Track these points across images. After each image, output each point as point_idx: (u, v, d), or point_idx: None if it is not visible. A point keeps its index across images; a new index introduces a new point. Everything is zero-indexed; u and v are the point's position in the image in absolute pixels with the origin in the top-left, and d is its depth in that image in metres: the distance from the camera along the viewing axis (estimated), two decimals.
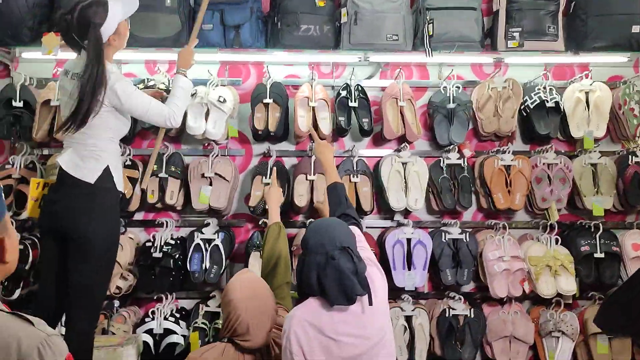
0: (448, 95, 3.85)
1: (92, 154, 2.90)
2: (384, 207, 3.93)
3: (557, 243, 3.81)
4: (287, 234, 3.87)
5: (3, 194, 1.74)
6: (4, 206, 1.73)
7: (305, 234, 2.51)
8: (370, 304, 2.38)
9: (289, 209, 3.82)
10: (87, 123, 2.85)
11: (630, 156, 3.85)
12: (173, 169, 3.76)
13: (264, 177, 3.77)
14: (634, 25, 3.75)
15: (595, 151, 3.87)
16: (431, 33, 3.65)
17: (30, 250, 3.54)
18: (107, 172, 2.92)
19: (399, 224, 3.90)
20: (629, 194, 3.81)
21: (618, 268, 3.80)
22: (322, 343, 2.37)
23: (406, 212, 3.97)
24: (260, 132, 3.73)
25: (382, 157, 3.93)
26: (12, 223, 1.83)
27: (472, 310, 3.74)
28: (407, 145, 3.85)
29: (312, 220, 3.83)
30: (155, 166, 3.74)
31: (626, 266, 3.78)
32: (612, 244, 3.79)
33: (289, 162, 3.96)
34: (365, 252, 2.56)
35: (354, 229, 2.64)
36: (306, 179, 3.76)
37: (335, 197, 2.90)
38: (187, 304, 3.91)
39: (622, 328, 1.55)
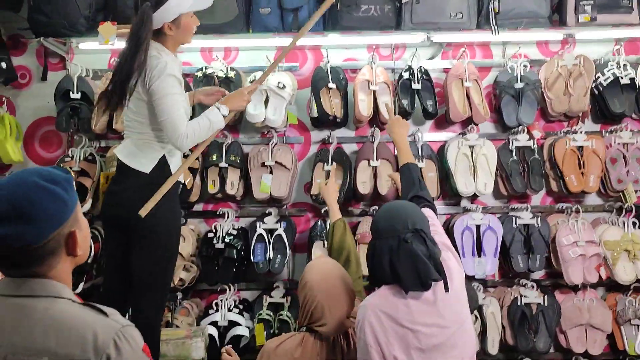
0: (515, 74, 3.68)
1: (148, 144, 2.83)
2: (449, 193, 3.79)
3: (634, 226, 3.63)
4: (349, 222, 3.81)
5: (74, 184, 1.67)
6: (76, 197, 1.65)
7: (374, 218, 2.40)
8: (447, 290, 2.27)
9: (350, 197, 3.71)
10: (123, 105, 2.78)
11: None
12: (233, 158, 3.68)
13: (325, 164, 3.66)
14: None
15: None
16: (497, 10, 3.50)
17: (92, 244, 3.51)
18: (163, 161, 2.85)
19: (466, 210, 3.76)
20: None
21: None
22: (398, 333, 2.26)
23: (472, 197, 3.82)
24: (330, 118, 3.62)
25: (447, 140, 3.79)
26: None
27: (545, 297, 3.59)
28: (473, 127, 3.71)
29: (376, 207, 3.71)
30: (215, 155, 3.67)
31: None
32: None
33: (349, 148, 3.85)
34: (440, 236, 2.44)
35: (428, 211, 2.52)
36: (369, 165, 3.65)
37: (408, 178, 2.75)
38: (249, 295, 3.84)
39: None
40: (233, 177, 3.71)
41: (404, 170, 2.79)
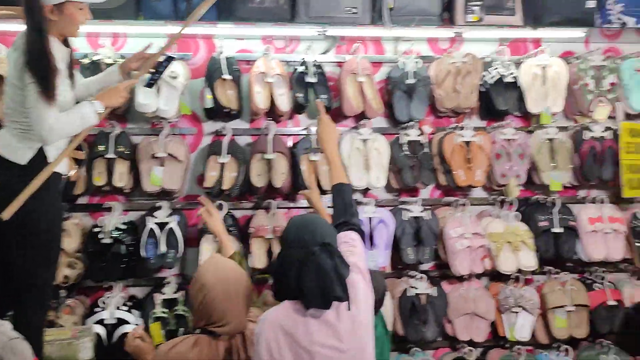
0: (407, 70, 3.76)
1: (25, 133, 2.66)
2: None
3: (516, 219, 3.81)
4: (242, 215, 3.76)
5: None
6: None
7: (285, 229, 2.37)
8: (349, 308, 2.23)
9: (245, 190, 3.66)
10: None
11: (584, 131, 3.87)
12: (121, 149, 3.53)
13: (219, 157, 3.59)
14: (588, 0, 3.76)
15: (552, 126, 3.88)
16: (392, 6, 3.55)
17: None
18: (41, 152, 2.69)
19: (358, 203, 3.80)
20: (584, 168, 3.85)
21: (575, 242, 3.84)
22: (293, 351, 2.22)
23: (364, 191, 3.88)
24: (225, 110, 3.54)
25: (340, 134, 3.81)
26: None
27: (434, 288, 3.70)
28: (366, 122, 3.75)
29: (270, 201, 3.69)
30: (102, 146, 3.50)
31: (582, 240, 3.81)
32: (569, 218, 3.82)
33: (243, 140, 3.79)
34: (355, 257, 2.38)
35: (352, 234, 2.47)
36: (263, 158, 3.61)
37: (341, 203, 2.59)
38: (138, 292, 3.71)
39: None
40: (121, 169, 3.56)
41: (338, 192, 2.64)
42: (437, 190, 4.00)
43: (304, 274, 2.22)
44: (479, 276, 3.88)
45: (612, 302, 3.82)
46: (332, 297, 2.21)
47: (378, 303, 2.94)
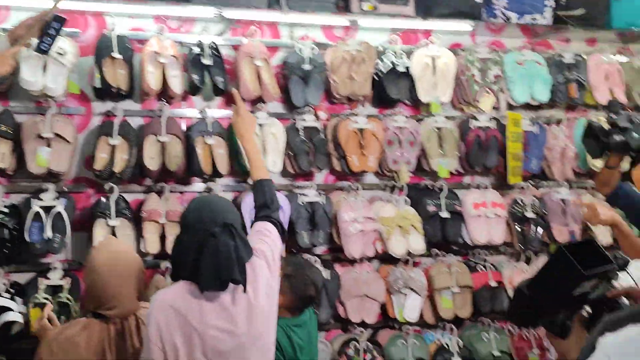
0: (303, 56, 3.78)
1: None
2: (238, 170, 3.80)
3: (406, 204, 3.94)
4: (134, 199, 3.66)
5: None
6: None
7: (185, 210, 2.34)
8: (244, 291, 2.22)
9: (137, 173, 3.56)
10: None
11: (471, 120, 4.05)
12: (4, 129, 3.34)
13: (110, 138, 3.47)
14: None
15: (440, 115, 4.03)
16: None
17: None
18: None
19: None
20: (470, 156, 4.03)
21: (460, 226, 4.02)
22: (184, 332, 2.19)
23: None
24: (114, 89, 3.42)
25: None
26: None
27: (328, 271, 3.76)
28: (262, 106, 3.75)
29: (163, 184, 3.61)
30: None
31: (467, 224, 4.00)
32: (455, 203, 3.99)
33: (134, 122, 3.68)
34: (264, 246, 2.38)
35: (267, 224, 2.46)
36: (157, 141, 3.53)
37: (261, 198, 2.59)
38: (22, 278, 3.53)
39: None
40: (3, 149, 3.37)
41: (259, 188, 2.64)
42: (331, 175, 4.06)
43: (203, 255, 2.20)
44: (370, 259, 3.98)
45: (493, 283, 4.03)
46: (230, 279, 2.20)
47: (311, 299, 2.99)
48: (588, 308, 1.58)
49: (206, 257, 2.19)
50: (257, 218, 2.54)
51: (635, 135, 3.13)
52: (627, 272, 1.76)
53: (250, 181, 3.30)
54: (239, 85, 3.68)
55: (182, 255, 2.25)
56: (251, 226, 2.53)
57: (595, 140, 3.24)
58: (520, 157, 4.07)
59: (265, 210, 2.55)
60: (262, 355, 2.30)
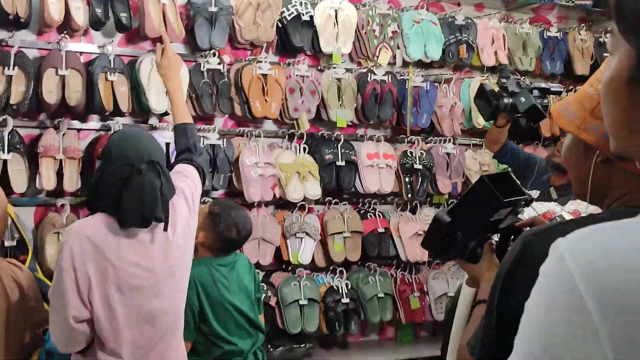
0: None
1: None
2: (139, 109, 3.74)
3: (304, 151, 4.05)
4: (28, 134, 3.53)
5: None
6: None
7: (107, 143, 2.29)
8: (165, 229, 2.25)
9: (34, 106, 3.43)
10: None
11: (369, 74, 4.21)
12: None
13: (6, 69, 3.31)
14: None
15: (340, 67, 4.15)
16: None
17: None
18: None
19: (153, 128, 3.77)
20: (366, 108, 4.19)
21: (355, 175, 4.19)
22: (99, 264, 2.18)
23: (161, 115, 3.84)
24: (11, 17, 3.25)
25: (137, 56, 3.72)
26: None
27: None
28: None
29: (62, 119, 3.51)
30: None
31: (361, 173, 4.18)
32: (351, 153, 4.16)
33: (30, 54, 3.53)
34: (185, 185, 2.39)
35: (189, 167, 2.45)
36: (56, 74, 3.41)
37: (184, 142, 2.56)
38: None
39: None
40: None
41: (182, 132, 2.59)
42: (230, 120, 4.10)
43: (127, 191, 2.18)
44: (266, 204, 4.08)
45: (381, 230, 4.26)
46: (153, 217, 2.21)
47: (232, 242, 3.03)
48: (496, 237, 1.77)
49: (130, 193, 2.18)
50: (179, 161, 2.55)
51: (522, 99, 3.40)
52: (532, 208, 1.98)
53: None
54: (143, 22, 3.61)
55: (103, 187, 2.22)
56: (171, 169, 2.52)
57: (486, 101, 3.49)
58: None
59: (187, 153, 2.55)
60: (175, 292, 2.34)
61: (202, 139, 3.76)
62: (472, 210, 1.65)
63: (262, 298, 3.41)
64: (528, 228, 1.69)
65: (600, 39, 5.03)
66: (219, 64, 3.82)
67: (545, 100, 3.70)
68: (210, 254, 3.08)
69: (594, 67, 4.97)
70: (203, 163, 2.60)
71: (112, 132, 3.54)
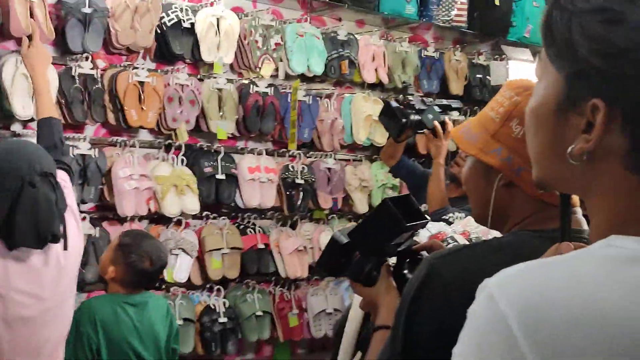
0: None
1: None
2: (0, 114, 3.43)
3: (182, 163, 3.88)
4: None
5: None
6: None
7: None
8: (65, 248, 2.04)
9: None
10: None
11: (251, 85, 4.11)
12: None
13: None
14: None
15: (222, 77, 4.02)
16: None
17: None
18: None
19: (16, 135, 3.46)
20: (248, 121, 4.08)
21: (234, 189, 4.06)
22: None
23: (26, 122, 3.53)
24: None
25: (0, 56, 3.41)
26: None
27: (97, 229, 3.58)
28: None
29: None
30: None
31: (241, 187, 4.06)
32: (231, 166, 4.03)
33: None
34: (69, 199, 2.19)
35: (61, 173, 2.22)
36: None
37: (50, 139, 2.32)
38: None
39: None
40: None
41: (47, 127, 2.35)
42: (102, 129, 3.85)
43: (19, 207, 1.95)
44: (140, 219, 3.86)
45: (261, 246, 4.15)
46: (50, 235, 1.99)
47: (146, 274, 2.80)
48: (392, 260, 1.72)
49: (23, 209, 1.93)
50: None
51: (430, 116, 3.41)
52: (427, 230, 1.96)
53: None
54: (7, 20, 3.31)
55: None
56: None
57: (391, 119, 3.46)
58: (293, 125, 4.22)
59: (55, 152, 2.30)
60: (63, 320, 2.14)
61: (72, 148, 3.52)
62: (373, 233, 1.60)
63: (179, 350, 3.17)
64: (425, 252, 1.66)
65: (473, 60, 5.21)
66: (92, 68, 3.58)
67: (447, 117, 3.74)
68: (122, 289, 2.86)
69: (467, 88, 5.16)
70: (70, 163, 2.40)
71: None
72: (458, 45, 5.23)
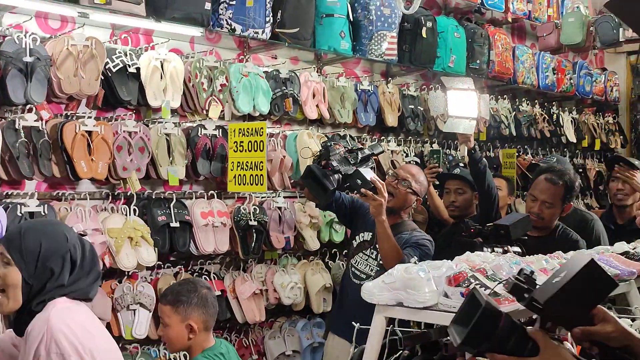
0: (24, 47, 3.32)
1: None
2: None
3: (134, 213, 3.71)
4: None
5: None
6: None
7: None
8: None
9: None
10: None
11: (199, 128, 4.00)
12: None
13: None
14: (207, 2, 3.90)
15: (169, 121, 3.90)
16: None
17: None
18: None
19: None
20: (198, 164, 3.96)
21: (188, 236, 3.92)
22: None
23: None
24: None
25: None
26: None
27: None
28: None
29: None
30: None
31: (196, 233, 3.92)
32: (184, 212, 3.89)
33: None
34: None
35: None
36: None
37: None
38: None
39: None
40: None
41: None
42: (43, 183, 3.62)
43: None
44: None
45: (217, 293, 4.01)
46: None
47: None
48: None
49: None
50: None
51: (358, 181, 3.41)
52: (452, 268, 1.95)
53: None
54: None
55: None
56: None
57: (317, 184, 3.45)
58: (244, 166, 4.11)
59: None
60: None
61: (18, 206, 3.29)
62: (583, 295, 1.47)
63: None
64: None
65: (404, 92, 5.32)
66: (37, 120, 3.37)
67: (371, 164, 3.74)
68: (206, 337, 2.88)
69: (401, 119, 5.25)
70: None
71: None
72: (390, 78, 5.33)
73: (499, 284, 1.98)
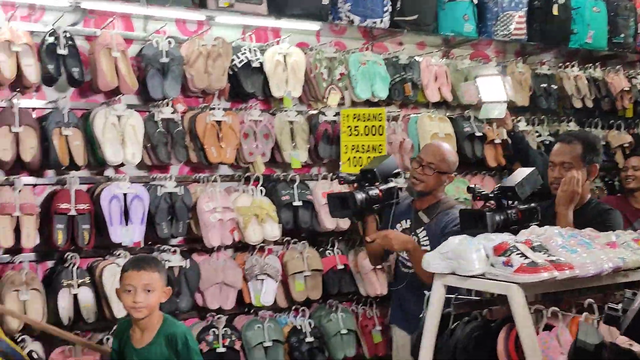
0: (160, 49, 3.83)
1: None
2: (94, 162, 3.77)
3: (261, 193, 4.12)
4: None
5: None
6: None
7: None
8: None
9: None
10: None
11: (319, 115, 4.33)
12: None
13: None
14: None
15: (292, 110, 4.26)
16: None
17: None
18: None
19: (109, 179, 3.79)
20: (319, 148, 4.30)
21: (311, 214, 4.27)
22: None
23: (117, 167, 3.86)
24: None
25: (89, 109, 3.76)
26: None
27: (186, 261, 3.85)
28: (120, 97, 3.76)
29: (17, 177, 3.50)
30: None
31: (318, 212, 4.26)
32: (306, 193, 4.24)
33: None
34: None
35: None
36: (10, 132, 3.42)
37: None
38: None
39: None
40: None
41: None
42: (186, 167, 4.15)
43: None
44: (226, 247, 4.12)
45: (340, 267, 4.33)
46: None
47: None
48: None
49: None
50: None
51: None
52: (491, 239, 2.10)
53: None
54: (95, 76, 3.66)
55: None
56: None
57: (342, 208, 3.28)
58: (359, 149, 4.34)
59: None
60: None
61: (158, 187, 3.81)
62: None
63: None
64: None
65: (536, 71, 5.27)
66: (173, 113, 3.88)
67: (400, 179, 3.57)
68: None
69: (533, 98, 5.21)
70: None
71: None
72: (520, 57, 5.30)
73: None
